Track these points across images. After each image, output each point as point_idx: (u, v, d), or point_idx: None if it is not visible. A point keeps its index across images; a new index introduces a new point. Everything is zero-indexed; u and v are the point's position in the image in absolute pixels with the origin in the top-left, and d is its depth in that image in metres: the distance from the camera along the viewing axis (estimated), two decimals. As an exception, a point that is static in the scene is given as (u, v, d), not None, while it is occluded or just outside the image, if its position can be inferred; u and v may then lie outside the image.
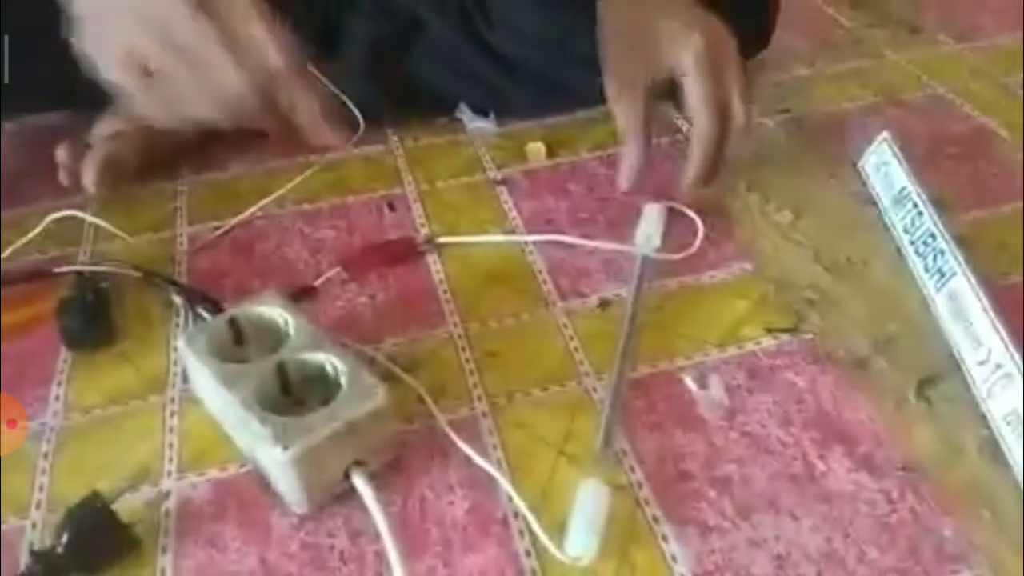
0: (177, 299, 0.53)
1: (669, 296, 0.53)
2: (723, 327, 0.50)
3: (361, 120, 0.64)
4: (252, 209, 0.62)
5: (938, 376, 0.46)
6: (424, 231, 0.60)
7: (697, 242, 0.57)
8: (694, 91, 0.56)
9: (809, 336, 0.49)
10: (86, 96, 0.63)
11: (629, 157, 0.59)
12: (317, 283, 0.55)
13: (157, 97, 0.47)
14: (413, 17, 0.68)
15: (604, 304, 0.53)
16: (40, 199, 0.64)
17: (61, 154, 0.62)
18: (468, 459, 0.42)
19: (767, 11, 0.73)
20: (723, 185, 0.61)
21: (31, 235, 0.58)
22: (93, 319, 0.50)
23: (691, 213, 0.59)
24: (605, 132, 0.68)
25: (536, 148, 0.67)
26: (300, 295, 0.53)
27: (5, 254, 0.56)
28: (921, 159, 0.60)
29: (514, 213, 0.61)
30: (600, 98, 0.60)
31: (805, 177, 0.63)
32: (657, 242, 0.56)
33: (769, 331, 0.49)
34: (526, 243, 0.58)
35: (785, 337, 0.49)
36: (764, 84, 0.74)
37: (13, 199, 0.63)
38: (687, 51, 0.55)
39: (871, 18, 0.85)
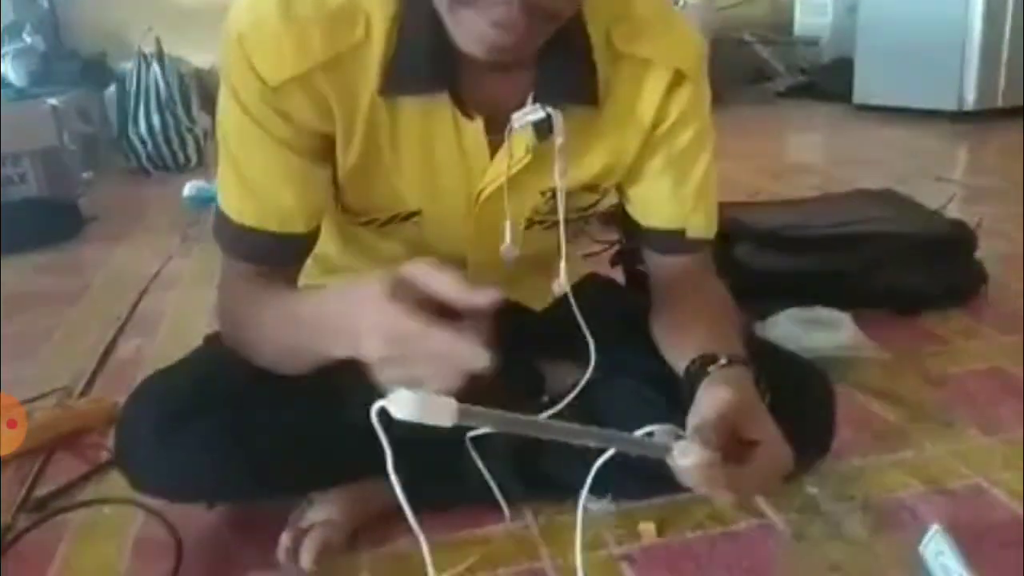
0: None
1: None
2: None
3: (506, 508, 0.81)
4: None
5: None
6: (565, 601, 0.74)
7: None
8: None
9: None
10: (299, 486, 0.82)
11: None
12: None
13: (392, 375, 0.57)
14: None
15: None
16: (248, 569, 0.80)
17: (286, 539, 0.78)
18: None
19: (832, 424, 0.88)
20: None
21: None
22: None
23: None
24: (702, 513, 0.84)
25: (648, 527, 0.83)
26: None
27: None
28: (970, 545, 0.73)
29: (636, 585, 0.75)
30: None
31: (875, 557, 0.77)
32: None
33: None
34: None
35: None
36: (831, 473, 0.90)
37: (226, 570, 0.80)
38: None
39: (910, 413, 1.03)
